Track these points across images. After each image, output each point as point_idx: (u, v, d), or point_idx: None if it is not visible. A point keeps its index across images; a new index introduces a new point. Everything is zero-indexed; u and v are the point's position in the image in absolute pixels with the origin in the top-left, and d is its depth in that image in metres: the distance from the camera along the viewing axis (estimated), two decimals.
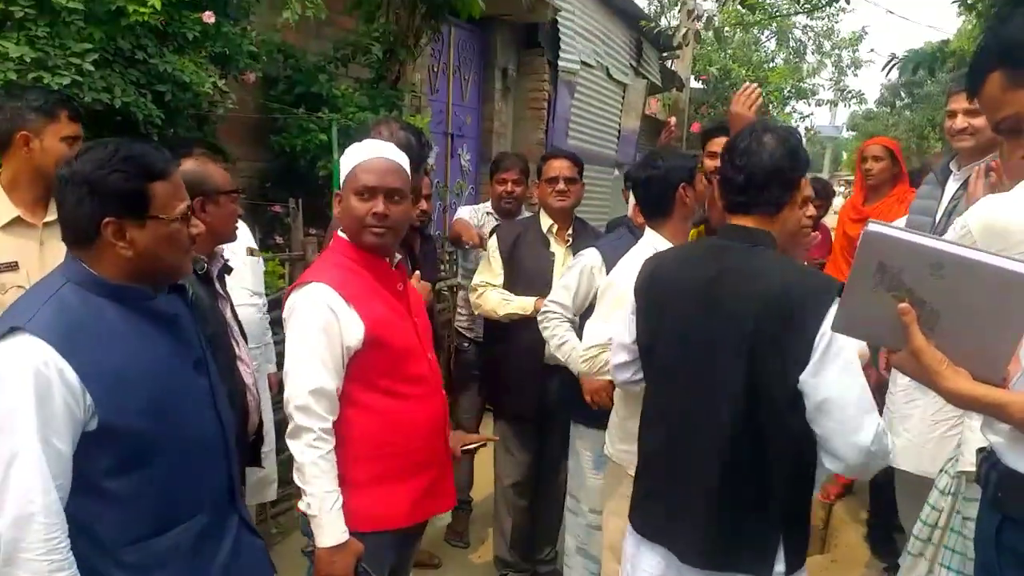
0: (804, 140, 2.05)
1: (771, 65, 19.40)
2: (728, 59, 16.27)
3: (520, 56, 8.09)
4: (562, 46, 8.13)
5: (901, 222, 3.23)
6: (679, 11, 10.43)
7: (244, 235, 3.28)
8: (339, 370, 2.01)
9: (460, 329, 3.97)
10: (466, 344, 3.90)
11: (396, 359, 2.08)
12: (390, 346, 2.06)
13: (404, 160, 2.14)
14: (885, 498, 3.44)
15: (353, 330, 2.00)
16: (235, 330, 2.33)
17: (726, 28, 15.49)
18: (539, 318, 3.05)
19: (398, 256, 2.22)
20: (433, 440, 2.17)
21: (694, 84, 14.98)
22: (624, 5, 9.86)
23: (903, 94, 23.72)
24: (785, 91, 18.74)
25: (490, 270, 3.43)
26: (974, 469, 1.70)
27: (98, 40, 2.88)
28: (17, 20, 2.74)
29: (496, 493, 3.55)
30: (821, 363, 1.76)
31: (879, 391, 3.22)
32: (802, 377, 1.78)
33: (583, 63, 8.74)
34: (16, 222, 2.33)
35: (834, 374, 1.76)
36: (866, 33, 22.46)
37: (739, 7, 9.41)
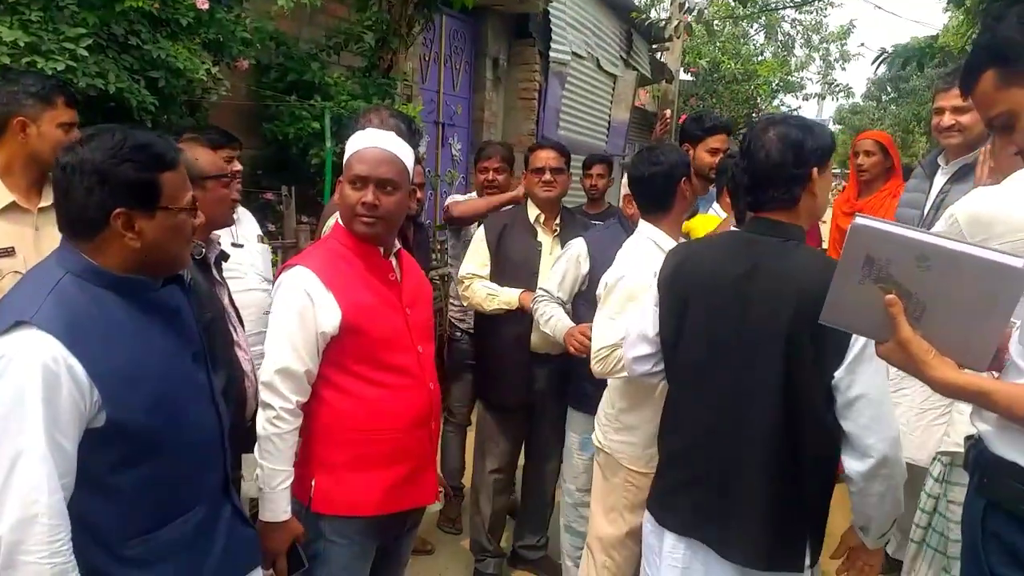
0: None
1: (760, 58, 19.42)
2: (718, 52, 16.28)
3: (511, 46, 8.09)
4: (553, 37, 8.13)
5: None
6: (670, 3, 10.43)
7: (252, 223, 3.31)
8: (312, 354, 2.02)
9: (453, 319, 3.99)
10: (458, 334, 3.91)
11: (375, 347, 2.08)
12: (369, 334, 2.06)
13: (402, 150, 2.13)
14: None
15: (329, 316, 2.01)
16: (233, 316, 2.33)
17: (716, 21, 15.50)
18: (531, 307, 3.10)
19: (396, 245, 2.22)
20: (414, 432, 2.15)
21: (683, 76, 14.99)
22: None
23: (889, 89, 23.85)
24: (774, 84, 18.77)
25: (477, 260, 3.43)
26: (959, 450, 1.74)
27: (92, 25, 2.87)
28: (10, 4, 2.72)
29: (476, 479, 3.57)
30: (857, 361, 1.79)
31: None
32: (836, 374, 1.80)
33: (574, 54, 8.75)
34: (11, 208, 2.31)
35: (869, 373, 1.80)
36: (854, 27, 22.54)
37: (730, 0, 9.41)
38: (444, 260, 5.06)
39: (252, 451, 2.07)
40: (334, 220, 2.28)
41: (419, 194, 3.48)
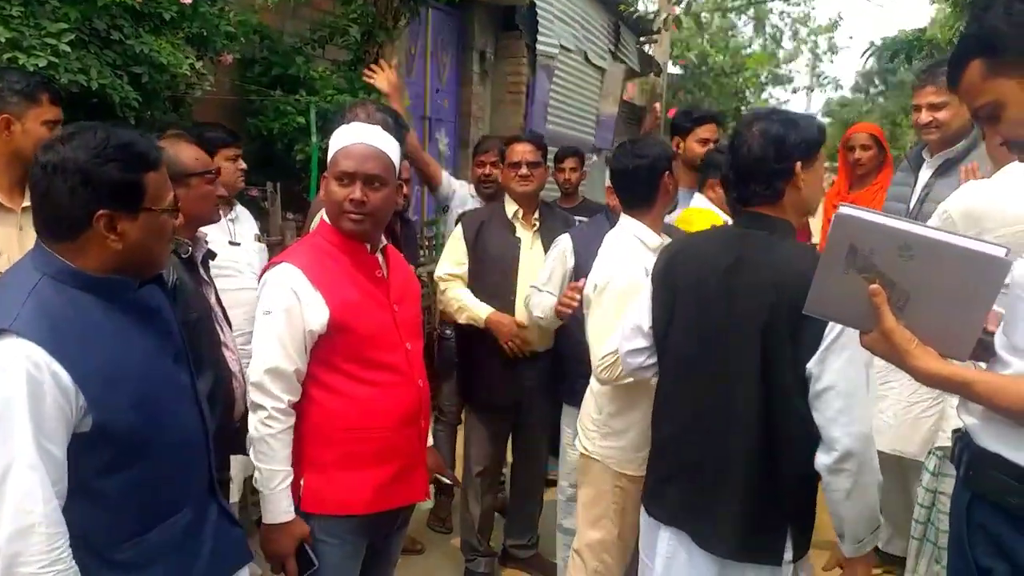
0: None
1: (748, 51, 19.45)
2: (706, 44, 16.30)
3: (498, 39, 8.04)
4: (540, 29, 8.10)
5: None
6: None
7: (249, 222, 3.29)
8: (300, 352, 2.01)
9: (443, 317, 3.97)
10: (448, 331, 3.89)
11: (363, 345, 2.06)
12: (356, 332, 2.04)
13: (389, 145, 2.11)
14: None
15: (316, 314, 1.99)
16: (220, 316, 2.31)
17: (704, 14, 15.50)
18: (525, 303, 3.09)
19: (383, 242, 2.20)
20: (404, 430, 2.14)
21: (672, 69, 15.00)
22: None
23: (877, 81, 23.95)
24: (762, 77, 18.82)
25: (452, 258, 3.40)
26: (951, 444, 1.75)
27: (73, 20, 2.82)
28: None
29: (465, 480, 3.56)
30: (828, 351, 1.80)
31: None
32: (809, 365, 1.82)
33: (562, 47, 8.72)
34: None
35: (840, 363, 1.80)
36: (841, 20, 22.63)
37: None
38: (432, 256, 5.04)
39: (240, 452, 2.06)
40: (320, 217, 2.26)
41: (406, 189, 3.46)
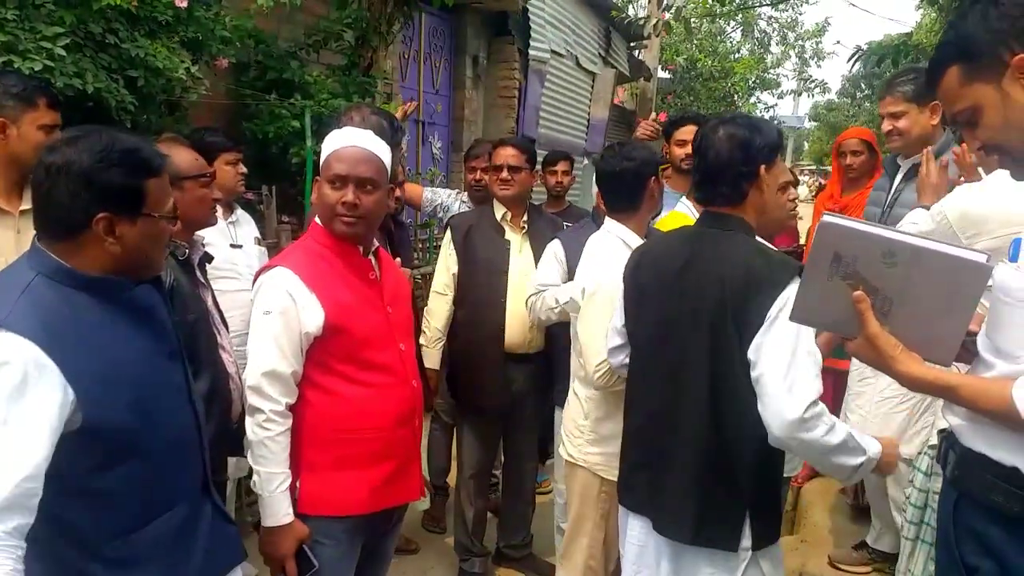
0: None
1: (737, 56, 19.57)
2: (695, 49, 16.39)
3: (491, 44, 8.07)
4: (532, 34, 8.13)
5: None
6: (648, 1, 10.47)
7: (250, 225, 3.31)
8: (296, 354, 2.02)
9: None
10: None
11: (358, 346, 2.07)
12: (351, 333, 2.05)
13: (381, 149, 2.13)
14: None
15: (312, 316, 2.00)
16: (216, 318, 2.31)
17: (694, 19, 15.59)
18: (528, 305, 3.10)
19: (375, 244, 2.22)
20: (398, 430, 2.15)
21: (661, 74, 15.06)
22: None
23: (863, 85, 24.09)
24: (750, 81, 18.92)
25: (443, 270, 3.41)
26: None
27: (69, 24, 2.83)
28: None
29: (458, 481, 3.57)
30: (763, 334, 1.86)
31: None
32: (749, 354, 1.88)
33: (553, 52, 8.76)
34: None
35: (768, 345, 1.84)
36: (829, 25, 22.80)
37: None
38: (426, 258, 5.06)
39: (237, 454, 2.06)
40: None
41: (399, 192, 3.47)
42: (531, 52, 8.20)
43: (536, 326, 3.25)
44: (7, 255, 2.26)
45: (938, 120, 3.08)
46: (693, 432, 2.00)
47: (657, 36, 9.57)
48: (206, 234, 2.38)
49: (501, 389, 3.31)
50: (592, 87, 10.67)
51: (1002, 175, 2.01)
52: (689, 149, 3.73)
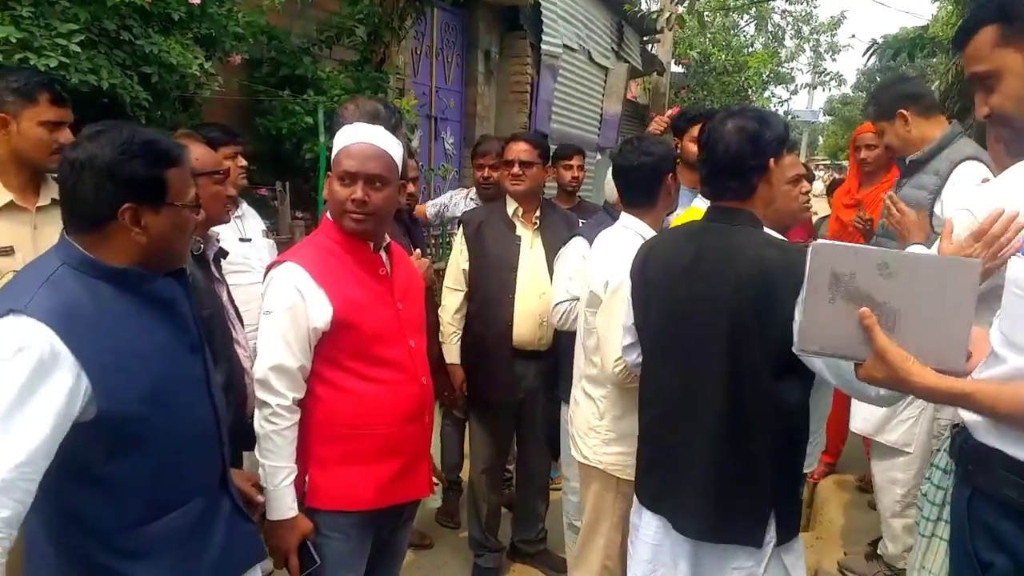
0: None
1: (750, 50, 19.45)
2: (708, 43, 16.30)
3: (503, 39, 8.06)
4: (545, 29, 8.11)
5: None
6: None
7: (256, 219, 3.33)
8: (304, 349, 2.03)
9: None
10: None
11: (367, 342, 2.08)
12: (360, 329, 2.06)
13: (391, 144, 2.13)
14: None
15: (320, 312, 2.01)
16: (231, 313, 2.32)
17: (707, 13, 15.50)
18: (560, 312, 3.02)
19: (386, 239, 2.22)
20: (407, 427, 2.16)
21: (674, 68, 15.00)
22: None
23: (879, 79, 23.88)
24: (764, 75, 18.81)
25: (455, 267, 3.41)
26: None
27: (83, 21, 2.85)
28: (1, 0, 2.70)
29: (471, 476, 3.58)
30: None
31: None
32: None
33: (565, 46, 8.73)
34: (9, 207, 2.31)
35: None
36: (844, 18, 22.62)
37: None
38: (440, 253, 5.05)
39: (251, 448, 2.07)
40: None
41: (412, 188, 3.48)
42: (543, 47, 8.18)
43: (549, 324, 3.24)
44: (24, 251, 2.28)
45: (909, 124, 3.08)
46: (711, 425, 1.98)
47: (670, 30, 9.53)
48: (217, 230, 2.39)
49: (511, 385, 3.31)
50: (605, 82, 10.63)
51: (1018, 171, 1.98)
52: None
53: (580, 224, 3.43)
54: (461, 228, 3.43)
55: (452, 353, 3.38)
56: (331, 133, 4.07)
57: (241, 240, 3.09)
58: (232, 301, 2.35)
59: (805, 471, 2.09)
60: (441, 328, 3.40)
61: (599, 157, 10.12)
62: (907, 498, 3.23)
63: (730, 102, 16.18)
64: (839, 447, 4.55)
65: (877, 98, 3.21)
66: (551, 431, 3.28)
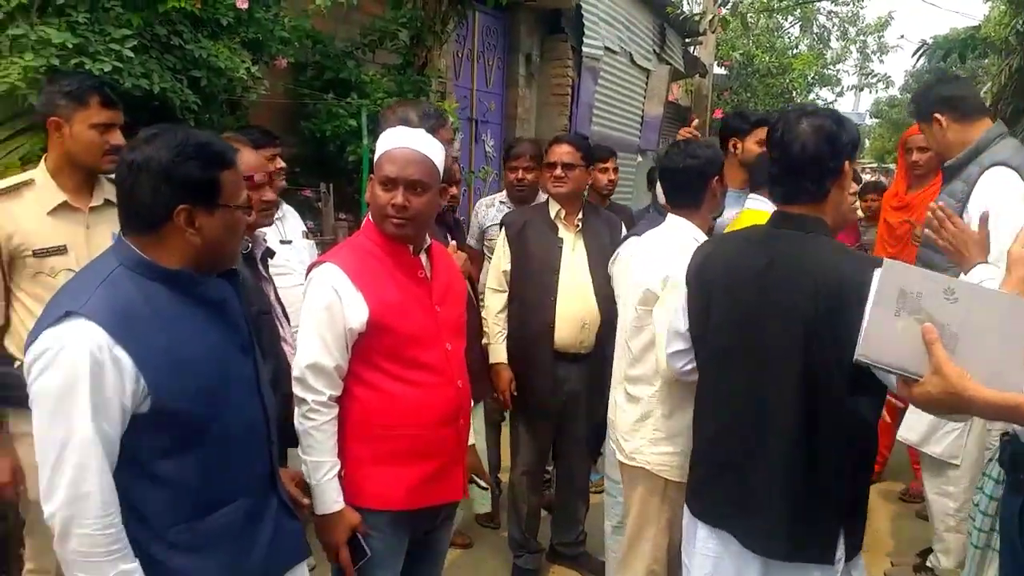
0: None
1: (795, 52, 19.19)
2: (752, 45, 16.12)
3: (544, 42, 8.08)
4: (586, 32, 8.11)
5: None
6: None
7: (296, 219, 3.37)
8: (341, 349, 2.05)
9: None
10: None
11: (402, 345, 2.09)
12: (396, 331, 2.07)
13: (432, 148, 2.13)
14: None
15: (356, 312, 2.03)
16: (279, 311, 2.36)
17: (751, 14, 15.35)
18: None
19: (427, 242, 2.23)
20: (440, 430, 2.16)
21: (717, 70, 14.87)
22: None
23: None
24: (809, 78, 18.54)
25: (497, 268, 3.42)
26: None
27: (136, 26, 2.92)
28: (58, 6, 2.78)
29: (511, 478, 3.58)
30: None
31: None
32: None
33: (607, 49, 8.72)
34: (63, 207, 2.37)
35: None
36: (892, 19, 22.20)
37: None
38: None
39: (294, 445, 2.10)
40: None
41: (455, 190, 3.50)
42: (584, 49, 8.17)
43: (590, 327, 3.23)
44: (77, 251, 2.34)
45: (944, 128, 3.00)
46: (784, 439, 1.90)
47: (713, 32, 9.46)
48: (263, 231, 2.43)
49: (553, 388, 3.30)
50: (646, 84, 10.59)
51: None
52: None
53: (622, 227, 3.42)
54: (504, 230, 3.44)
55: (498, 353, 3.38)
56: (374, 136, 4.13)
57: (281, 242, 3.14)
58: (279, 300, 2.39)
59: None
60: (486, 329, 3.40)
61: (640, 159, 10.07)
62: (960, 512, 3.17)
63: (774, 104, 15.98)
64: (885, 455, 4.47)
65: (916, 100, 3.15)
66: (594, 434, 3.27)
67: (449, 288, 2.28)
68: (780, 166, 1.99)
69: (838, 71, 21.39)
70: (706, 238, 2.60)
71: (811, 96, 19.61)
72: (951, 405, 1.49)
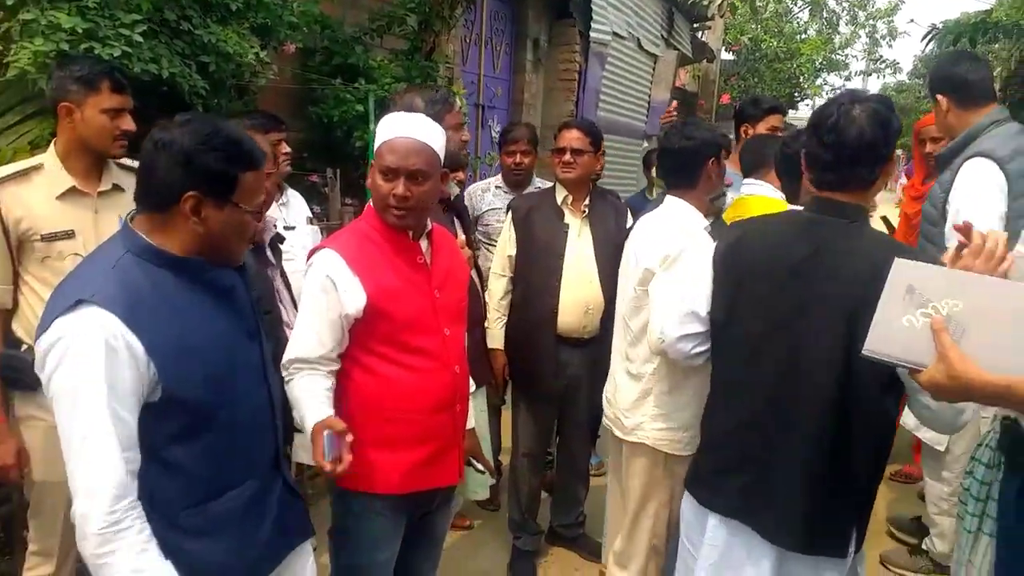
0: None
1: (803, 36, 19.06)
2: (760, 30, 16.03)
3: (552, 27, 8.04)
4: (594, 17, 8.07)
5: None
6: None
7: (301, 205, 3.37)
8: (336, 335, 2.07)
9: None
10: None
11: (399, 330, 2.10)
12: (393, 317, 2.09)
13: (433, 135, 2.13)
14: None
15: (353, 298, 2.04)
16: (284, 295, 2.39)
17: None
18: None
19: (428, 226, 2.23)
20: (437, 415, 2.18)
21: (724, 55, 14.80)
22: None
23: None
24: (817, 63, 18.42)
25: (502, 253, 3.44)
26: None
27: (145, 11, 2.92)
28: None
29: (512, 460, 3.62)
30: None
31: None
32: None
33: (615, 34, 8.68)
34: (71, 191, 2.39)
35: None
36: (902, 3, 22.03)
37: None
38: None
39: (297, 429, 2.12)
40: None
41: (461, 175, 3.51)
42: (592, 35, 8.14)
43: (594, 312, 3.26)
44: (85, 235, 2.37)
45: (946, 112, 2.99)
46: (815, 435, 1.89)
47: (722, 16, 9.40)
48: (273, 217, 2.45)
49: (555, 372, 3.33)
50: (653, 69, 10.55)
51: None
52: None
53: (628, 212, 3.43)
54: (510, 214, 3.46)
55: (495, 338, 3.42)
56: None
57: (285, 228, 3.15)
58: (288, 286, 2.42)
59: None
60: (487, 313, 3.44)
61: (646, 144, 10.04)
62: (953, 496, 3.20)
63: (781, 90, 15.91)
64: None
65: (929, 75, 3.13)
66: (594, 418, 3.30)
67: (450, 273, 2.28)
68: (835, 152, 1.92)
69: (847, 56, 21.28)
70: (704, 219, 2.62)
71: (818, 82, 19.49)
72: (956, 390, 1.51)
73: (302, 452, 2.48)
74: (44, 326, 1.50)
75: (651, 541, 2.68)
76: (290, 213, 3.28)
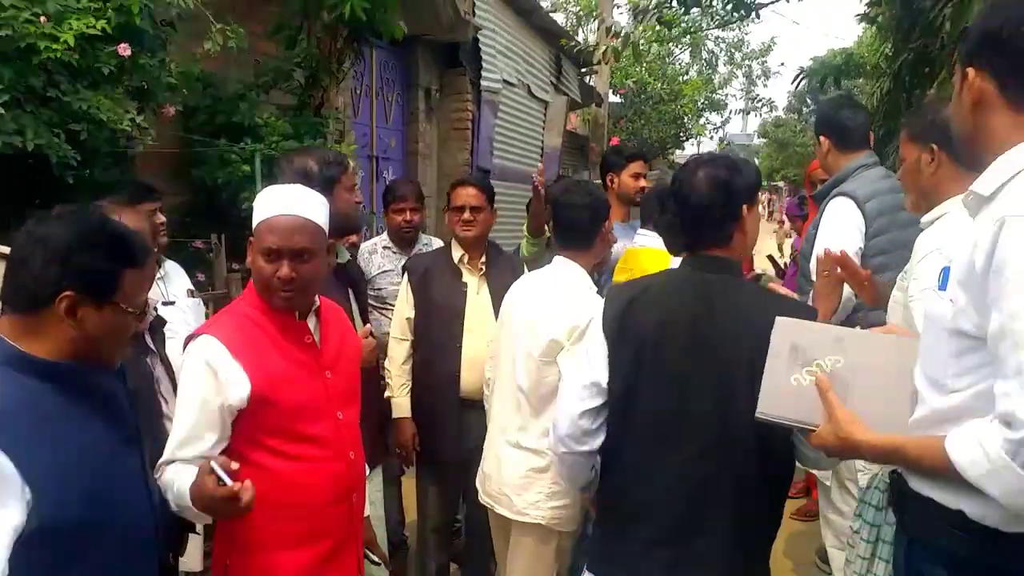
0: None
1: (685, 78, 19.88)
2: (644, 73, 16.61)
3: (443, 76, 8.08)
4: (484, 65, 8.17)
5: None
6: (597, 28, 10.59)
7: (181, 277, 3.19)
8: (215, 429, 1.90)
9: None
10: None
11: (288, 418, 1.96)
12: (281, 404, 1.95)
13: (315, 208, 2.01)
14: None
15: (236, 389, 1.90)
16: (165, 385, 2.23)
17: (643, 42, 15.78)
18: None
19: (316, 303, 2.12)
20: (331, 508, 2.03)
21: (612, 98, 15.23)
22: (543, 23, 10.01)
23: (810, 101, 24.70)
24: (699, 103, 19.22)
25: (400, 315, 3.34)
26: None
27: (8, 80, 2.75)
28: None
29: (419, 534, 3.50)
30: None
31: None
32: None
33: (505, 81, 8.80)
34: None
35: None
36: (775, 44, 23.38)
37: (657, 24, 9.64)
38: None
39: (191, 530, 1.97)
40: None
41: (355, 238, 3.41)
42: (483, 83, 8.23)
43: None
44: None
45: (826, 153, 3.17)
46: (739, 503, 1.88)
47: (606, 64, 9.66)
48: (154, 298, 2.30)
49: (459, 437, 3.23)
50: (545, 115, 10.74)
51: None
52: (643, 183, 3.87)
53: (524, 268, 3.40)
54: (406, 275, 3.38)
55: (402, 407, 3.30)
56: (270, 182, 4.01)
57: (164, 304, 2.97)
58: (170, 372, 2.26)
59: None
60: (388, 381, 3.32)
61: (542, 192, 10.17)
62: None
63: (667, 131, 16.48)
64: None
65: (816, 116, 3.33)
66: None
67: (341, 351, 2.15)
68: (680, 216, 2.04)
69: (726, 95, 22.33)
70: (591, 281, 2.61)
71: (701, 121, 20.32)
72: (845, 451, 1.56)
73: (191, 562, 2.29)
74: None
75: None
76: (169, 287, 3.10)
